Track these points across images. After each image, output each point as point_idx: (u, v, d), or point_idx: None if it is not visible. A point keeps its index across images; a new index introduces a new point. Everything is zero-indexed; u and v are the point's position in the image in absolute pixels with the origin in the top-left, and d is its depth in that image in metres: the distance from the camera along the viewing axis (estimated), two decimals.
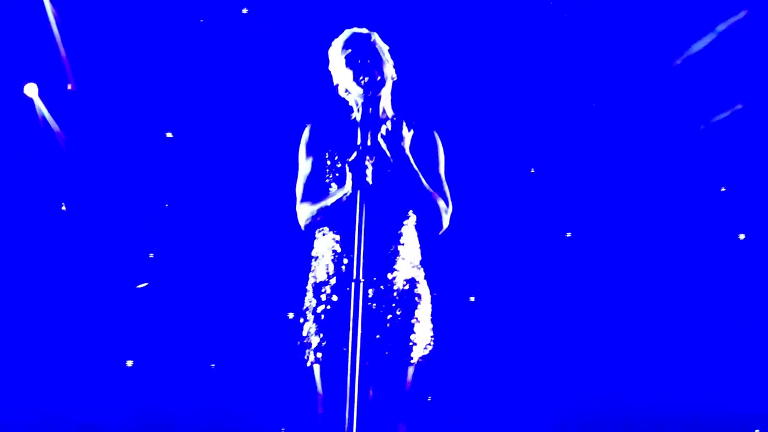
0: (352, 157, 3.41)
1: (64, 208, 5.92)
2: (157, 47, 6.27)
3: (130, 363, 6.25)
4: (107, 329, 6.22)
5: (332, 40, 3.87)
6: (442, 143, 3.86)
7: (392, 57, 3.84)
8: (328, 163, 3.78)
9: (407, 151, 3.64)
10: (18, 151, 6.14)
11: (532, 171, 6.38)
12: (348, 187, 3.49)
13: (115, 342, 6.23)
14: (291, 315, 6.07)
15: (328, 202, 3.68)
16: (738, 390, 6.00)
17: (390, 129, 3.68)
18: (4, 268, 6.11)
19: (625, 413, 6.15)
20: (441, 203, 3.74)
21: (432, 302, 3.84)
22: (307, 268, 3.85)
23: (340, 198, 3.60)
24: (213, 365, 6.30)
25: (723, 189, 6.21)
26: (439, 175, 3.81)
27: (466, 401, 6.25)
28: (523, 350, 6.30)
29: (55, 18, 6.01)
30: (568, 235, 6.39)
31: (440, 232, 3.81)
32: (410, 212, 3.78)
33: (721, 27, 6.08)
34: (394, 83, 3.82)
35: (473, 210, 6.18)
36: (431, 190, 3.71)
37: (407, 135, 3.65)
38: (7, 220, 6.13)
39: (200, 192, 6.39)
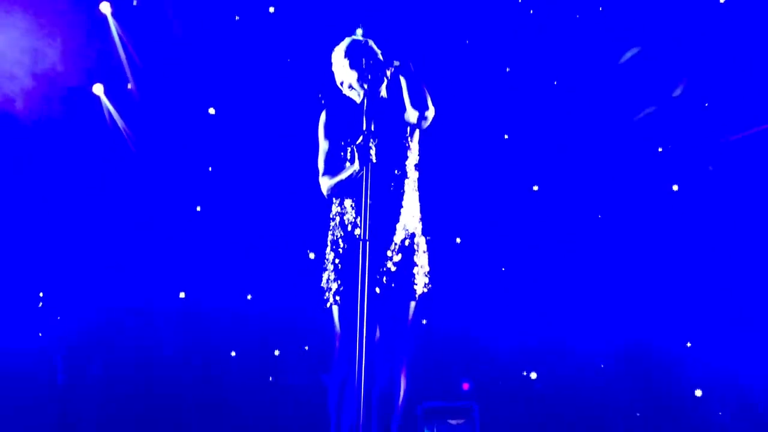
0: (359, 140, 3.72)
1: None
2: (200, 40, 6.74)
3: (182, 294, 6.82)
4: (165, 267, 6.76)
5: (341, 35, 4.17)
6: (436, 123, 4.07)
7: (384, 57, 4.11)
8: (342, 143, 4.05)
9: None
10: (89, 141, 6.72)
11: (506, 137, 6.83)
12: (356, 165, 3.80)
13: (170, 278, 6.79)
14: (312, 255, 6.51)
15: (343, 176, 3.96)
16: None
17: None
18: (87, 228, 6.70)
19: (596, 338, 6.49)
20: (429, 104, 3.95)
21: (427, 244, 4.10)
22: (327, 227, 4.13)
23: (352, 173, 3.89)
24: (249, 296, 6.83)
25: (660, 149, 6.62)
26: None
27: (458, 329, 6.62)
28: (501, 282, 6.78)
29: (117, 31, 6.56)
30: (535, 188, 6.86)
31: (424, 125, 4.01)
32: (409, 170, 4.01)
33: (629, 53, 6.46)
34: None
35: (457, 168, 6.64)
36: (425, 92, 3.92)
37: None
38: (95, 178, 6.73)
39: (238, 159, 6.81)
